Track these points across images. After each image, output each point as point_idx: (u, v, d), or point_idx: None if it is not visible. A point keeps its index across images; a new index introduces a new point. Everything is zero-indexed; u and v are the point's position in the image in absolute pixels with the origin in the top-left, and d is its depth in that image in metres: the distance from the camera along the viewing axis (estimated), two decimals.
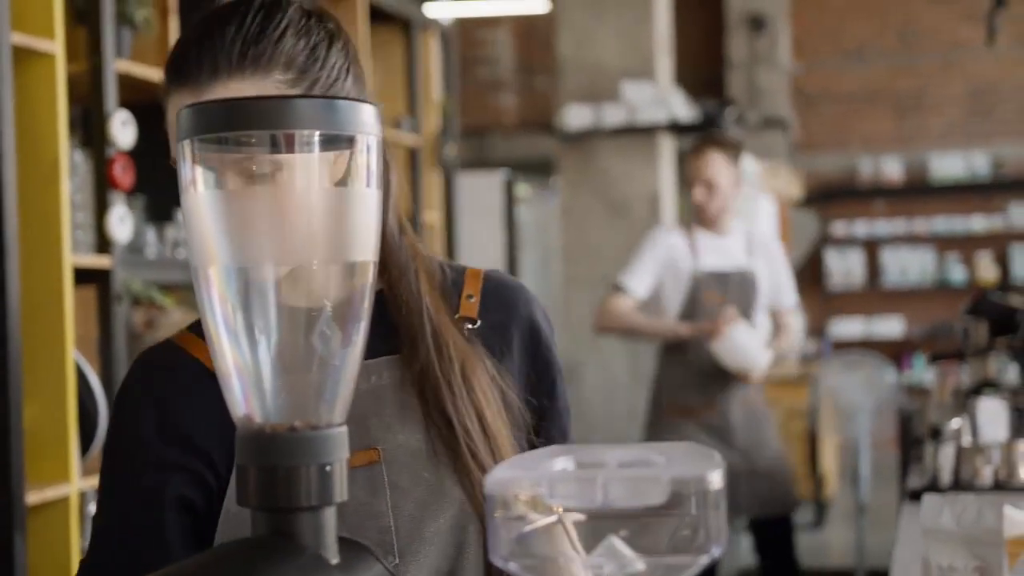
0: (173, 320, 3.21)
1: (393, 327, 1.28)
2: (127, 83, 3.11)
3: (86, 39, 3.02)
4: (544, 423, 1.34)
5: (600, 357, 6.58)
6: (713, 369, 4.12)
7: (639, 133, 6.45)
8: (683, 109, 6.42)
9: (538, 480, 0.73)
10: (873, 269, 10.63)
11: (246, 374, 0.84)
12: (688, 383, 4.19)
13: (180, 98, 1.19)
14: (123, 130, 3.00)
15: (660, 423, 4.22)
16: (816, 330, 10.37)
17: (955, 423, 2.82)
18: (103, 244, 3.00)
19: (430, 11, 5.16)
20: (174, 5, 3.31)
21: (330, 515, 0.84)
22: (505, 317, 1.33)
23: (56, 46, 2.77)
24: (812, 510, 7.23)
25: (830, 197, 10.61)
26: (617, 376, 6.63)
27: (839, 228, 10.61)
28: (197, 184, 0.85)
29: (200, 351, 1.25)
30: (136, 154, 3.06)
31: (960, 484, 2.66)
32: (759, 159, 8.63)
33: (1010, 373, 3.83)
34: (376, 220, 0.87)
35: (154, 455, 1.23)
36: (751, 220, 8.16)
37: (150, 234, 3.25)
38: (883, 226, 10.54)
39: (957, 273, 10.41)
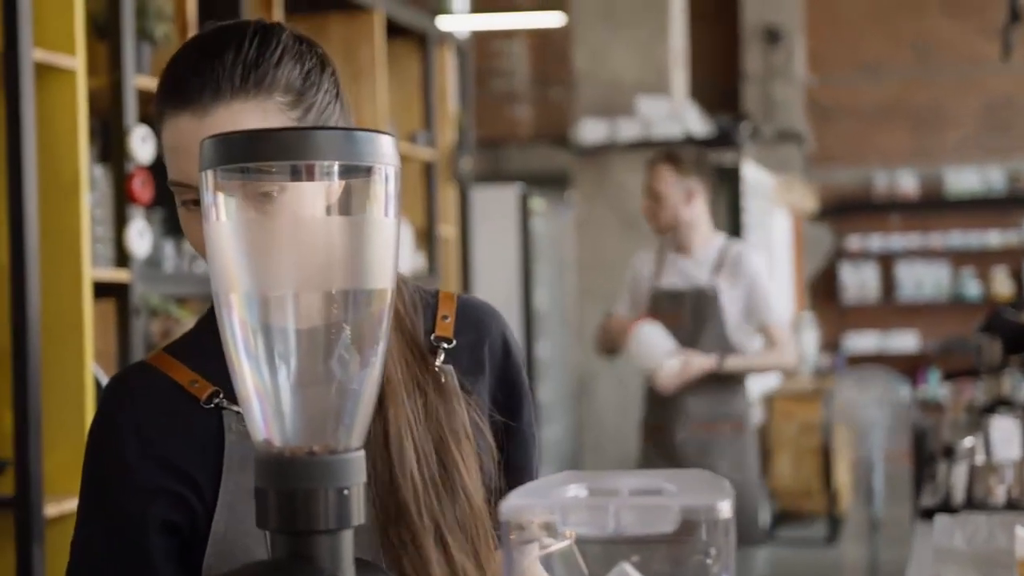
0: None
1: None
2: (147, 98, 3.14)
3: (106, 55, 3.05)
4: (508, 446, 1.33)
5: (613, 370, 6.59)
6: (660, 390, 4.10)
7: (654, 147, 6.46)
8: (698, 124, 6.44)
9: (551, 507, 0.75)
10: (888, 284, 10.62)
11: (266, 398, 0.86)
12: (649, 403, 4.20)
13: (179, 121, 1.19)
14: (142, 145, 3.03)
15: (640, 446, 4.26)
16: (830, 344, 10.36)
17: (968, 441, 2.83)
18: (122, 258, 3.03)
19: (446, 24, 5.19)
20: (194, 21, 3.34)
21: (347, 538, 0.85)
22: (478, 336, 1.34)
23: (77, 62, 2.80)
24: (826, 525, 7.22)
25: (845, 211, 10.60)
26: (630, 389, 6.63)
27: (854, 242, 10.60)
28: (219, 212, 0.87)
29: (177, 372, 1.25)
30: (155, 169, 3.08)
31: (973, 503, 2.66)
32: (774, 173, 8.64)
33: None
34: (393, 248, 0.89)
35: (137, 480, 1.22)
36: (766, 233, 8.17)
37: (168, 248, 3.27)
38: (898, 240, 10.53)
39: (972, 288, 10.39)
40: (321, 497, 0.84)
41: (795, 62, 10.35)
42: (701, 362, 4.04)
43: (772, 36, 10.22)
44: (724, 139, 6.66)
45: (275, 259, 0.87)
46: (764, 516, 4.79)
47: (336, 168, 0.85)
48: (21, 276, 2.66)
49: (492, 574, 1.26)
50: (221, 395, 1.22)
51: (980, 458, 2.77)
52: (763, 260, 4.27)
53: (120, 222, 3.02)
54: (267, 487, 0.85)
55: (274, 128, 0.90)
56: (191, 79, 1.19)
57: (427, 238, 4.92)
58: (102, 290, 2.98)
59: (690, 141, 6.39)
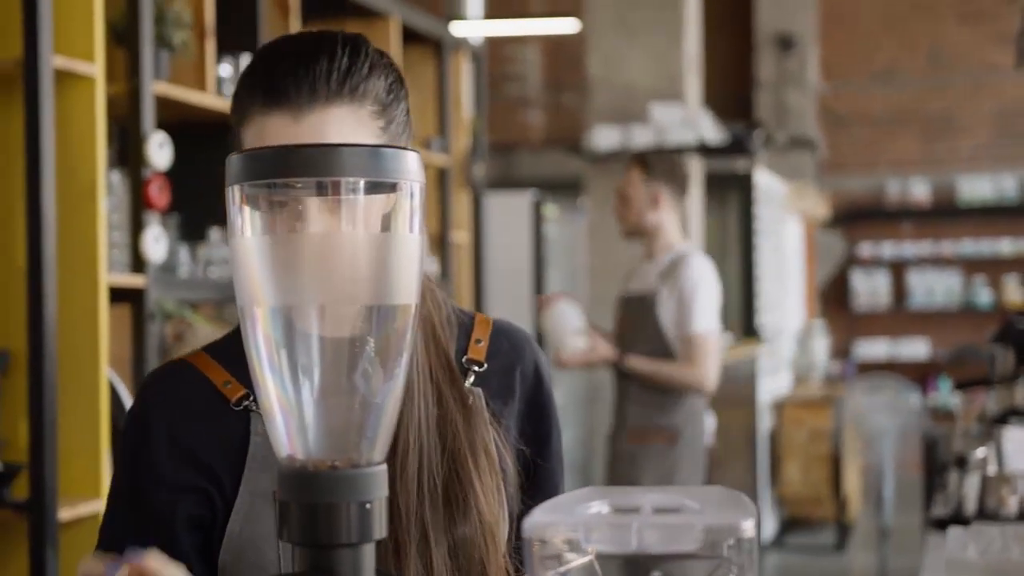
0: (201, 335, 3.24)
1: None
2: (164, 104, 3.15)
3: (125, 61, 3.07)
4: (534, 473, 1.34)
5: None
6: (559, 366, 4.15)
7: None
8: (711, 131, 6.44)
9: (574, 525, 0.75)
10: (899, 291, 10.60)
11: (289, 412, 0.87)
12: (612, 412, 4.23)
13: (271, 119, 1.19)
14: (160, 151, 3.05)
15: None
16: (841, 351, 10.35)
17: (980, 452, 2.82)
18: (138, 263, 3.04)
19: (460, 31, 5.20)
20: (211, 28, 3.35)
21: (369, 551, 0.86)
22: (510, 362, 1.35)
23: (96, 68, 2.81)
24: (834, 533, 7.21)
25: (857, 218, 10.60)
26: None
27: (865, 249, 10.59)
28: (245, 227, 0.88)
29: (213, 371, 1.27)
30: (171, 174, 3.10)
31: (985, 514, 2.66)
32: (786, 180, 8.63)
33: None
34: (418, 264, 0.89)
35: (166, 476, 1.25)
36: (778, 240, 8.17)
37: (183, 253, 3.28)
38: (910, 248, 10.52)
39: (984, 296, 10.37)
40: (343, 511, 0.84)
41: (808, 69, 10.34)
42: (605, 352, 4.07)
43: (785, 43, 10.22)
44: (737, 146, 6.66)
45: (300, 274, 0.88)
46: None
47: (362, 184, 0.86)
48: (38, 280, 2.67)
49: None
50: (251, 398, 1.24)
51: (992, 469, 2.77)
52: (707, 269, 4.06)
53: (136, 228, 3.04)
54: (290, 500, 0.85)
55: (300, 144, 0.91)
56: (287, 79, 1.19)
57: (440, 244, 4.93)
58: (118, 295, 2.99)
59: (704, 148, 6.39)
